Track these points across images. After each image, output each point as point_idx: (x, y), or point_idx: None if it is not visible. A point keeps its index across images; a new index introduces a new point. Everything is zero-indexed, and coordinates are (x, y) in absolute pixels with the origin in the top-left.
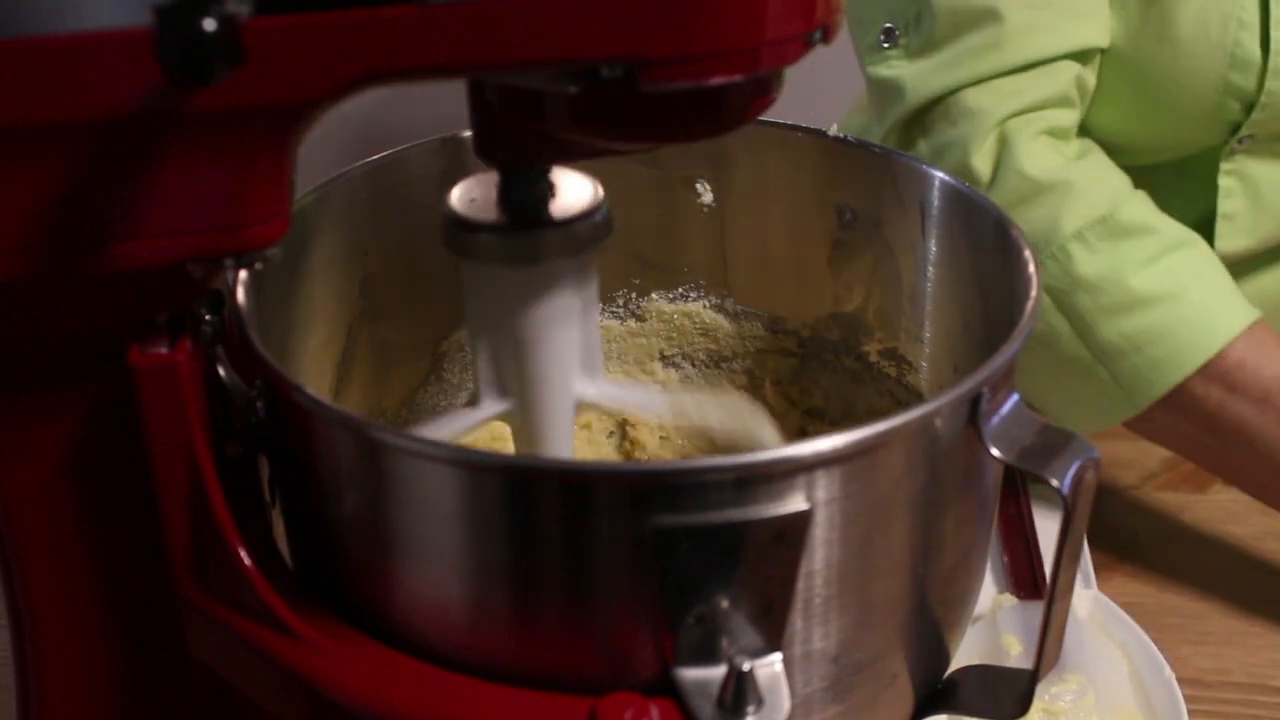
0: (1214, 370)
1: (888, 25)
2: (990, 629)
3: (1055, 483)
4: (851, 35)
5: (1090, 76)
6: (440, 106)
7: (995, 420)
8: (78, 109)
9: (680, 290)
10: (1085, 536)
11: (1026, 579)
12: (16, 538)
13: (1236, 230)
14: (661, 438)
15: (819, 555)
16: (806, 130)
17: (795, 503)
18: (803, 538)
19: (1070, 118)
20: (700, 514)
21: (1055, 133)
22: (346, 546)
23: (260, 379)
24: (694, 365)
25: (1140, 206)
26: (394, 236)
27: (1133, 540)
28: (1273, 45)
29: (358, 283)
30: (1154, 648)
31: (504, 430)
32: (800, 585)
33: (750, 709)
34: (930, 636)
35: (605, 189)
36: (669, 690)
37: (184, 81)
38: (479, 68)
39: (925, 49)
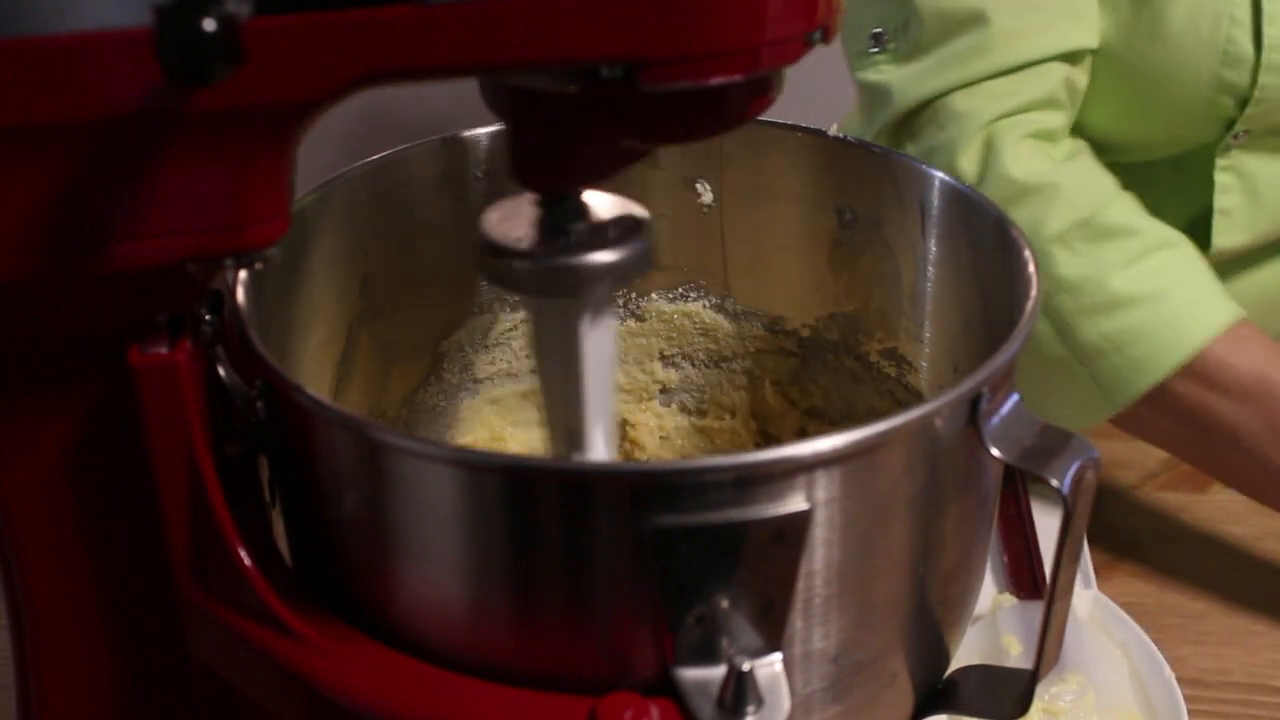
0: (1193, 369)
1: (876, 30)
2: (990, 629)
3: (1055, 483)
4: (841, 41)
5: (1081, 77)
6: (435, 105)
7: (995, 420)
8: (78, 109)
9: (680, 290)
10: (1085, 536)
11: (1026, 579)
12: (16, 538)
13: (1234, 226)
14: (661, 438)
15: (819, 555)
16: (806, 130)
17: (795, 503)
18: (803, 538)
19: (1058, 119)
20: (700, 514)
21: (1043, 135)
22: (346, 546)
23: (260, 379)
24: (694, 365)
25: (1123, 208)
26: (394, 236)
27: (1133, 540)
28: (1266, 41)
29: (358, 283)
30: (1154, 648)
31: (504, 430)
32: (800, 585)
33: (750, 709)
34: (930, 636)
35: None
36: (669, 690)
37: (184, 81)
38: (479, 68)
39: (913, 54)
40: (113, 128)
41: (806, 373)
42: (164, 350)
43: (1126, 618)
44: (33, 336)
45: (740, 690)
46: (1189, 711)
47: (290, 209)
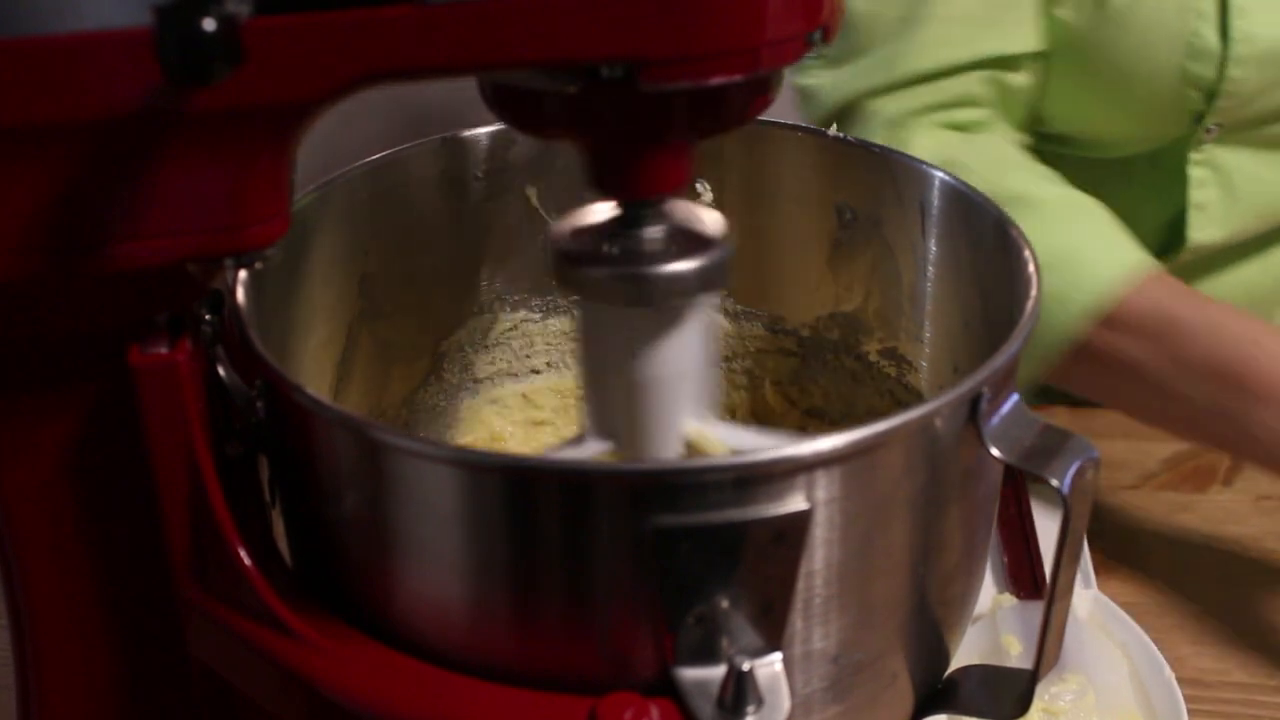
0: (1101, 316)
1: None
2: (990, 629)
3: (1055, 483)
4: None
5: (1017, 79)
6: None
7: (995, 420)
8: (78, 109)
9: None
10: (1085, 536)
11: (1026, 579)
12: (16, 538)
13: (1210, 221)
14: None
15: (819, 555)
16: (806, 130)
17: (795, 503)
18: (803, 538)
19: (977, 115)
20: (700, 514)
21: (959, 127)
22: (346, 546)
23: (260, 379)
24: None
25: (1025, 176)
26: (394, 236)
27: (1133, 540)
28: (1234, 34)
29: (357, 283)
30: (1154, 648)
31: (504, 430)
32: (800, 585)
33: (750, 709)
34: (930, 636)
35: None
36: (669, 690)
37: (184, 81)
38: (479, 68)
39: (841, 59)
40: (113, 128)
41: (806, 373)
42: (164, 350)
43: (1126, 618)
44: (33, 336)
45: (740, 690)
46: (1189, 711)
47: (290, 209)
